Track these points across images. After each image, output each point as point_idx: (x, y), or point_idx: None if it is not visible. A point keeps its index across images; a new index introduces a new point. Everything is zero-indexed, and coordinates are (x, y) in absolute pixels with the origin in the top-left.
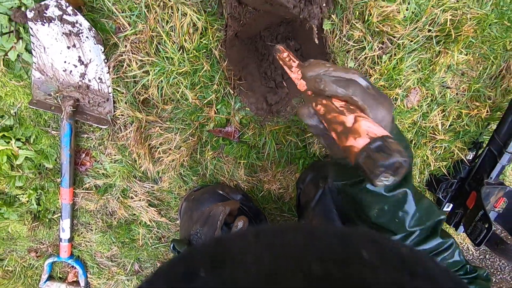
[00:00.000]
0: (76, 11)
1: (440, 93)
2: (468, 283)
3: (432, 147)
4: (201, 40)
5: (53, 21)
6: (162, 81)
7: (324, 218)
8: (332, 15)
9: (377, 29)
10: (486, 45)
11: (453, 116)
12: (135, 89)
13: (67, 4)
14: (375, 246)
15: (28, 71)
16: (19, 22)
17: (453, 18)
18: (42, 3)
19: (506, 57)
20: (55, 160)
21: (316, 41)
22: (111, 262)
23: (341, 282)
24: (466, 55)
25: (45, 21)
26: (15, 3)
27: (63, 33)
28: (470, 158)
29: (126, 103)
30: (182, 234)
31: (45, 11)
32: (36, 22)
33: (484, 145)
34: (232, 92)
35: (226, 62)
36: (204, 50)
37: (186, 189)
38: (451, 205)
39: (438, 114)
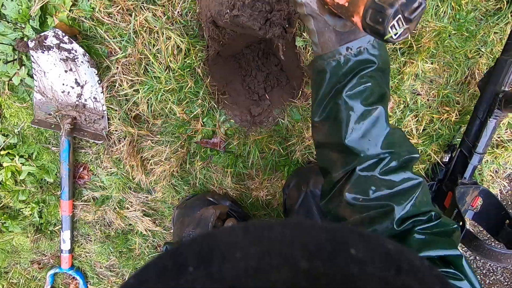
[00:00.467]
0: (71, 39)
1: (412, 99)
2: (429, 242)
3: None
4: (185, 60)
5: (51, 49)
6: (151, 98)
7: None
8: (304, 33)
9: None
10: (448, 54)
11: (426, 121)
12: (127, 106)
13: (64, 34)
14: (362, 242)
15: (30, 94)
16: (21, 51)
17: (413, 31)
18: (42, 34)
19: (469, 64)
20: (56, 174)
21: (282, 57)
22: (110, 272)
23: (327, 275)
24: (431, 64)
25: (44, 49)
26: (19, 35)
27: (60, 59)
28: (447, 160)
29: (119, 119)
30: (176, 240)
31: (44, 40)
32: (37, 50)
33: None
34: (216, 106)
35: (209, 79)
36: (188, 69)
37: (178, 199)
38: None
39: (412, 120)
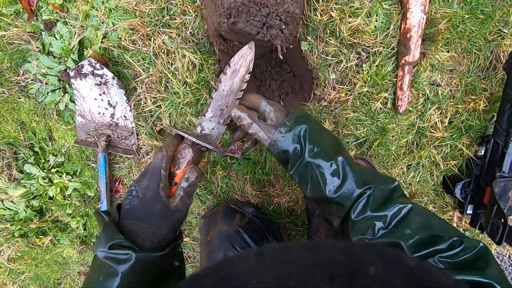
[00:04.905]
0: (102, 66)
1: (432, 91)
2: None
3: (437, 146)
4: (200, 74)
5: (87, 76)
6: (172, 112)
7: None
8: (308, 37)
9: (350, 42)
10: (464, 40)
11: (451, 113)
12: (151, 121)
13: (96, 62)
14: (381, 260)
15: (73, 117)
16: (64, 81)
17: None
18: (79, 63)
19: (491, 47)
20: (96, 189)
21: (281, 57)
22: None
23: None
24: (448, 52)
25: (82, 76)
26: (63, 67)
27: (95, 84)
28: (482, 153)
29: (146, 134)
30: (202, 251)
31: (81, 69)
32: (76, 78)
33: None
34: None
35: None
36: (203, 82)
37: (204, 209)
38: (472, 206)
39: (435, 113)
